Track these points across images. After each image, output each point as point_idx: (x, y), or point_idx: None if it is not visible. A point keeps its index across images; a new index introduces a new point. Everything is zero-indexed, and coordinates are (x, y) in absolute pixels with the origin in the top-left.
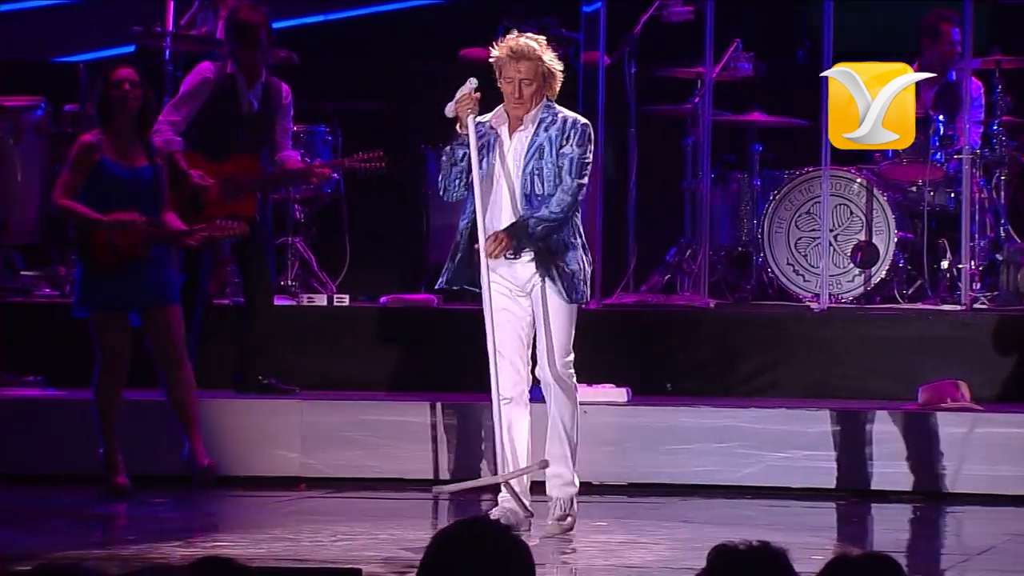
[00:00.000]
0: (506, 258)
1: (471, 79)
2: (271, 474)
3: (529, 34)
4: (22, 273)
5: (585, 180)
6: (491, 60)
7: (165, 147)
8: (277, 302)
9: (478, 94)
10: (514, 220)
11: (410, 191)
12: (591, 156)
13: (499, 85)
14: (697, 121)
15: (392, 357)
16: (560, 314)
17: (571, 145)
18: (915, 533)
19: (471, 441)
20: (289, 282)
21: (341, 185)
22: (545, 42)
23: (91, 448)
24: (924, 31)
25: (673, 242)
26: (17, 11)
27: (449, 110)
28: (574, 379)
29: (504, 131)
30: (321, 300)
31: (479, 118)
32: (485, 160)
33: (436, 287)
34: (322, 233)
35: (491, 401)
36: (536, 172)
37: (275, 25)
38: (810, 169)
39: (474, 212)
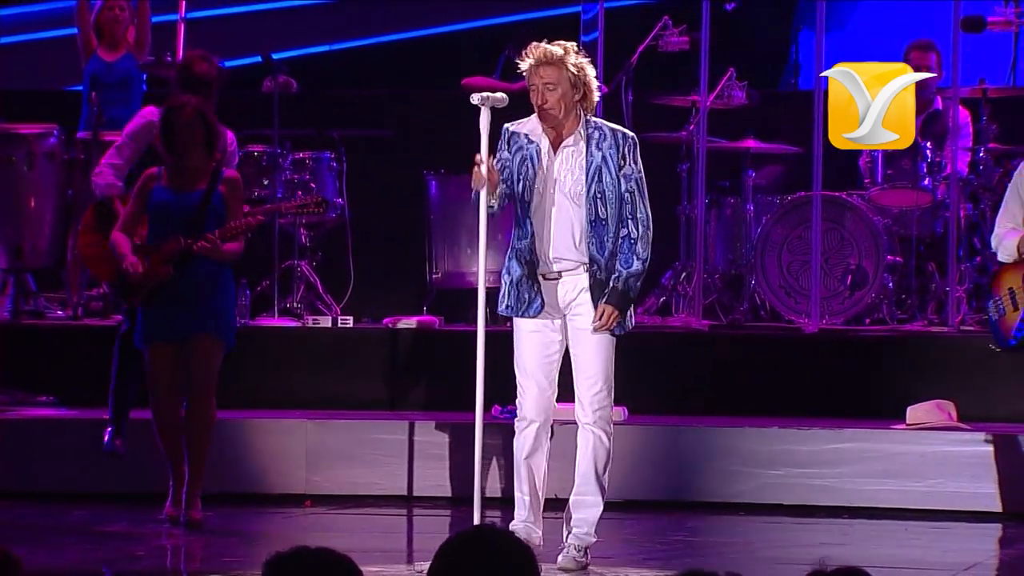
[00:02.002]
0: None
1: (478, 156)
2: (277, 491)
3: (560, 41)
4: (36, 296)
5: (649, 206)
6: (522, 73)
7: (107, 191)
8: (283, 323)
9: (492, 172)
10: (590, 261)
11: (413, 215)
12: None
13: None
14: (692, 148)
15: (396, 377)
16: (603, 346)
17: (630, 164)
18: (906, 549)
19: (473, 459)
20: (295, 304)
21: (346, 210)
22: (574, 47)
23: (102, 466)
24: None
25: (669, 265)
26: (31, 41)
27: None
28: (611, 424)
29: (545, 144)
30: (326, 322)
31: (510, 126)
32: (527, 176)
33: (499, 312)
34: (327, 256)
35: (475, 422)
36: (599, 195)
37: (283, 55)
38: (802, 194)
39: (523, 238)
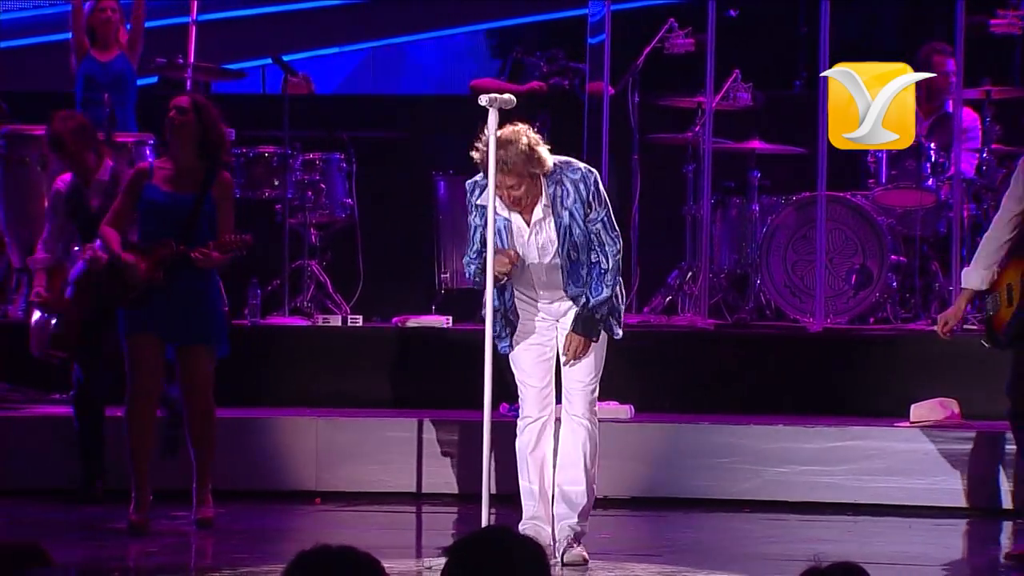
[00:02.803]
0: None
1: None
2: (288, 488)
3: (502, 133)
4: None
5: (617, 230)
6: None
7: (35, 264)
8: (293, 322)
9: (510, 269)
10: (568, 296)
11: (422, 215)
12: (608, 200)
13: None
14: (698, 149)
15: (405, 375)
16: (594, 345)
17: (595, 209)
18: (910, 546)
19: (481, 457)
20: (305, 303)
21: (355, 211)
22: (514, 131)
23: (113, 464)
24: (919, 64)
25: (675, 265)
26: (44, 44)
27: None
28: (597, 416)
29: (517, 219)
30: (336, 321)
31: (473, 197)
32: (503, 243)
33: (501, 352)
34: (337, 256)
35: (483, 421)
36: (572, 246)
37: (293, 57)
38: (807, 194)
39: (506, 290)
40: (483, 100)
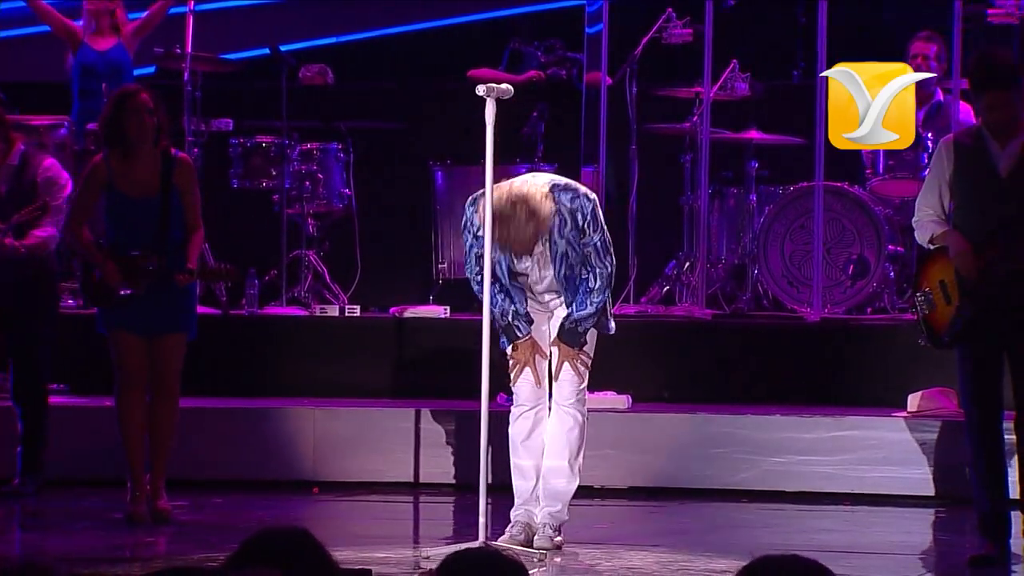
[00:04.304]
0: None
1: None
2: (285, 478)
3: (498, 207)
4: None
5: (612, 255)
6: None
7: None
8: (291, 312)
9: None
10: (567, 304)
11: (420, 205)
12: (606, 227)
13: None
14: (696, 139)
15: (402, 366)
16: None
17: (588, 235)
18: (908, 535)
19: (479, 447)
20: (303, 294)
21: (353, 201)
22: (512, 204)
23: (113, 453)
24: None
25: (672, 255)
26: (43, 34)
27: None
28: (586, 406)
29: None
30: (333, 311)
31: (474, 219)
32: (501, 273)
33: (501, 348)
34: (334, 246)
35: (480, 410)
36: (568, 267)
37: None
38: (804, 184)
39: (507, 306)
40: (480, 90)
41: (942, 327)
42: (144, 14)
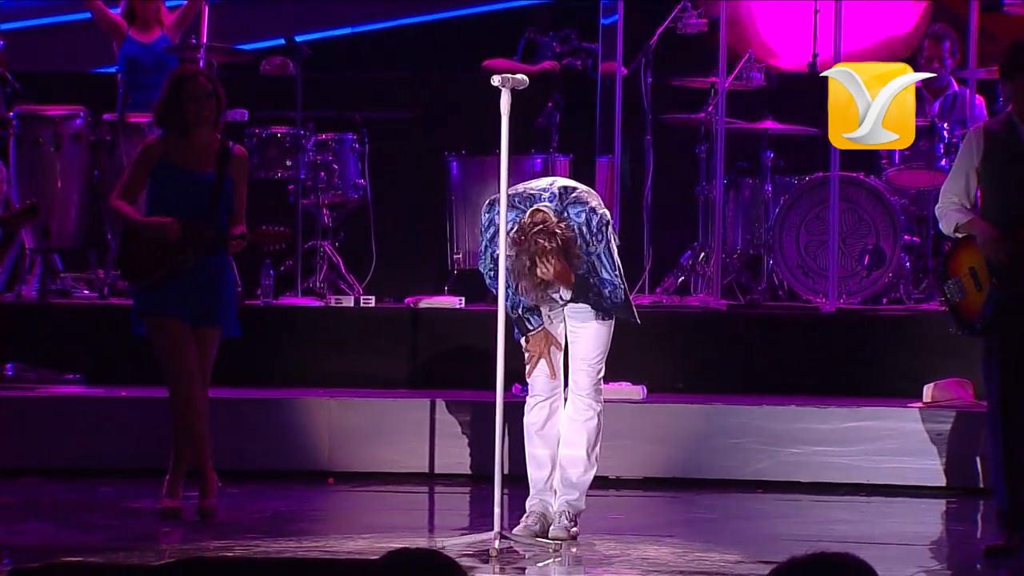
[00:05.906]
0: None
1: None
2: (301, 469)
3: (534, 239)
4: (62, 276)
5: (619, 267)
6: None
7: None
8: (306, 303)
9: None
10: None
11: (435, 196)
12: (615, 238)
13: None
14: (711, 129)
15: (417, 356)
16: (602, 328)
17: (592, 244)
18: (923, 526)
19: (494, 437)
20: (318, 284)
21: (368, 191)
22: (544, 272)
23: (127, 444)
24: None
25: (687, 245)
26: (59, 24)
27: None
28: (602, 396)
29: None
30: (348, 301)
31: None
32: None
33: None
34: (350, 237)
35: (496, 401)
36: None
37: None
38: (820, 175)
39: (517, 299)
40: (496, 80)
41: (974, 313)
42: (182, 4)
